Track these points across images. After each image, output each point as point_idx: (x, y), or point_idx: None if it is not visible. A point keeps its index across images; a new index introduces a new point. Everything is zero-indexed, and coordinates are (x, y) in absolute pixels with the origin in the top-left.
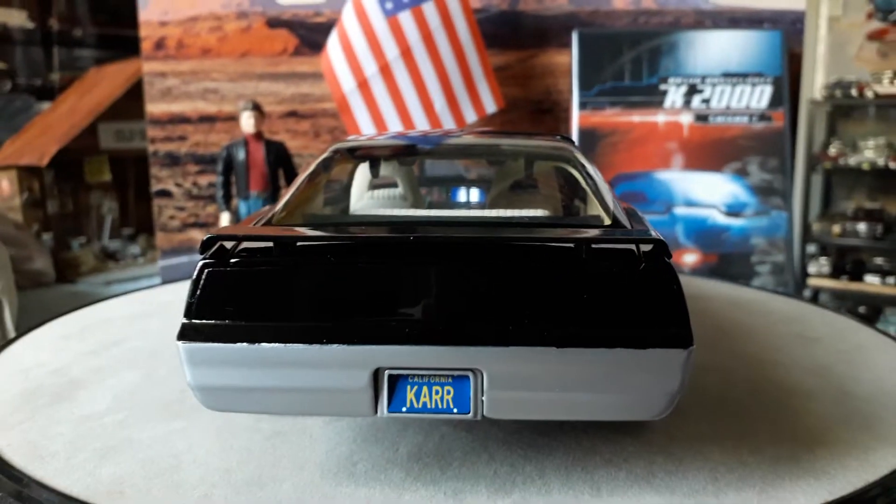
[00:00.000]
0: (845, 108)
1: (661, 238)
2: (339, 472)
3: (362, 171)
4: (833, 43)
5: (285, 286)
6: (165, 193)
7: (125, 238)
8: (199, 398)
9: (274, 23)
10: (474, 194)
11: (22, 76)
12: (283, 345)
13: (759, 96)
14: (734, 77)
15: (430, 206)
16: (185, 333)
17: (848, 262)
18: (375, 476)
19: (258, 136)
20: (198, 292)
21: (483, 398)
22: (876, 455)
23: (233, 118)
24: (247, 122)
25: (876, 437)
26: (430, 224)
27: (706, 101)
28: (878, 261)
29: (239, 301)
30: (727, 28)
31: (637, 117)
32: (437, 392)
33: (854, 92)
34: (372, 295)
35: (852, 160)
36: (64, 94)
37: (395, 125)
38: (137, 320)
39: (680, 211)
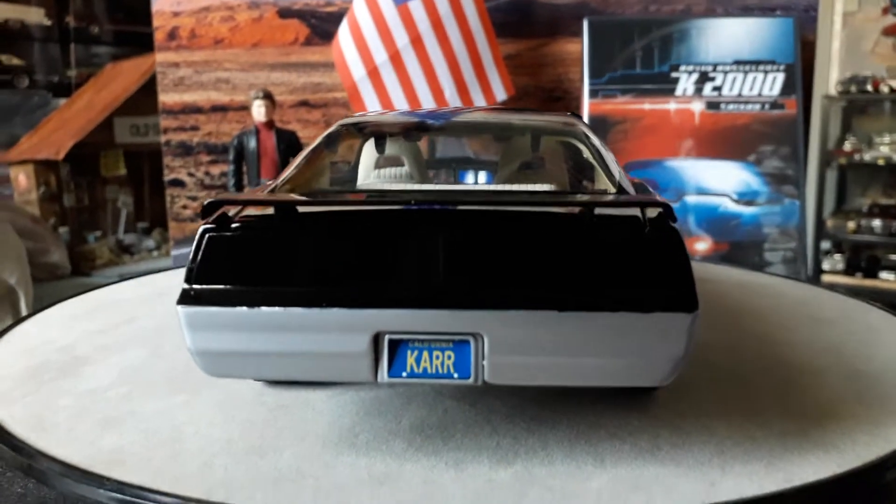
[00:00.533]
0: (860, 103)
1: (667, 202)
2: (341, 443)
3: (368, 150)
4: (848, 38)
5: (286, 251)
6: (178, 183)
7: (140, 232)
8: (199, 363)
9: (285, 13)
10: (482, 176)
11: (40, 73)
12: (282, 308)
13: (771, 84)
14: (746, 64)
15: (437, 184)
16: (185, 298)
17: (863, 259)
18: (377, 446)
19: (269, 124)
20: (198, 257)
21: (484, 363)
22: (888, 430)
23: (245, 108)
24: (258, 111)
25: (888, 412)
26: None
27: (718, 88)
28: (894, 257)
29: (239, 266)
30: (739, 16)
31: (648, 105)
32: (437, 357)
33: (869, 87)
34: (373, 259)
35: (867, 156)
36: (81, 90)
37: None
38: (148, 301)
39: (691, 199)
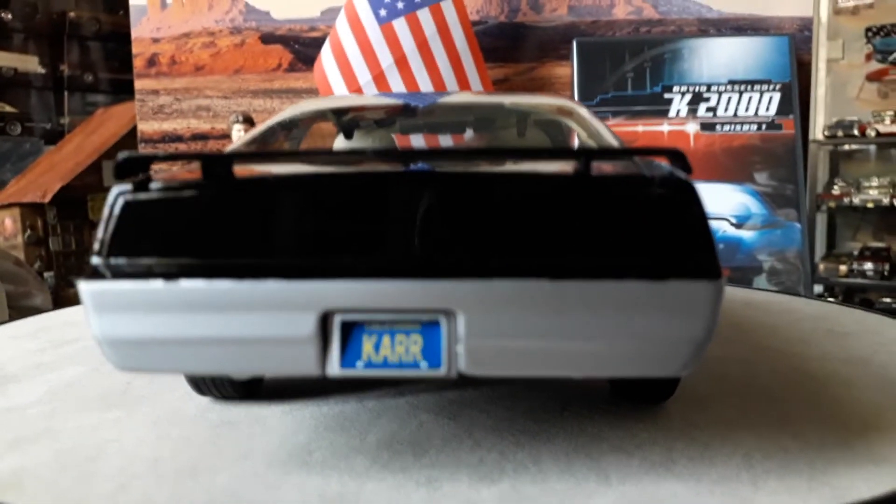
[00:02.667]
0: (847, 148)
1: (679, 149)
2: (290, 461)
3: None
4: (833, 84)
5: (213, 215)
6: None
7: None
8: (108, 355)
9: (268, 38)
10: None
11: (33, 120)
12: (206, 281)
13: (767, 103)
14: (741, 84)
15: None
16: (91, 273)
17: (856, 303)
18: (334, 464)
19: None
20: (110, 224)
21: (459, 348)
22: None
23: (226, 136)
24: (237, 136)
25: None
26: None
27: (712, 109)
28: (887, 300)
29: (158, 234)
30: (732, 36)
31: (641, 127)
32: (400, 343)
33: (855, 132)
34: (319, 221)
35: (856, 199)
36: (70, 135)
37: None
38: None
39: None
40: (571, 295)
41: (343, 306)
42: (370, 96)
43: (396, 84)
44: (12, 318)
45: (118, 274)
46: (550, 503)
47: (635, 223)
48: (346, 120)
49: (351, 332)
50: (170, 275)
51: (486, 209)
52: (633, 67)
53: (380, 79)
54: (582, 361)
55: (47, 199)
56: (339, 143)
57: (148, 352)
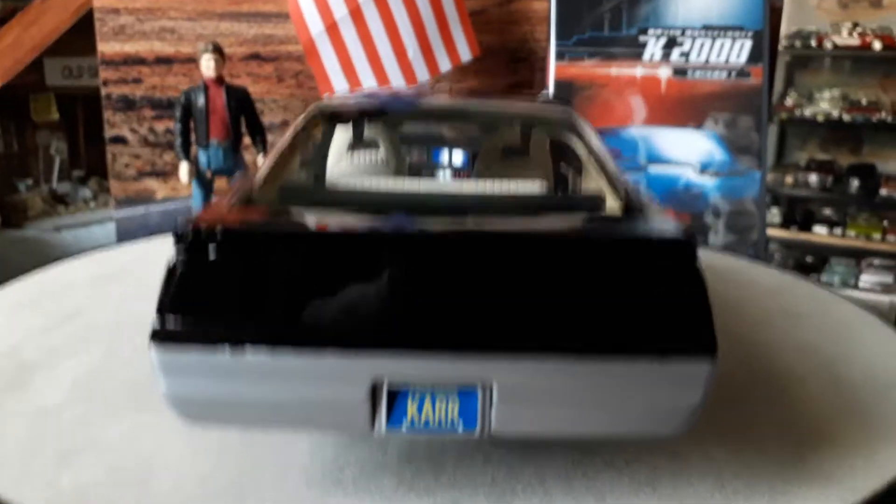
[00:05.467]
0: (803, 58)
1: (691, 231)
2: (326, 479)
3: (341, 131)
4: None
5: (273, 283)
6: (120, 140)
7: (75, 181)
8: (176, 410)
9: None
10: (457, 156)
11: None
12: (270, 351)
13: (738, 51)
14: (715, 30)
15: (412, 169)
16: (159, 335)
17: (798, 213)
18: (365, 485)
19: (219, 80)
20: (173, 287)
21: (492, 412)
22: (880, 455)
23: (192, 60)
24: (207, 66)
25: (877, 433)
26: (429, 208)
27: (685, 54)
28: (827, 212)
29: (220, 299)
30: None
31: (615, 70)
32: (440, 406)
33: (813, 43)
34: (369, 296)
35: (808, 111)
36: (6, 27)
37: (365, 72)
38: (96, 285)
39: (654, 168)
40: (590, 370)
41: (390, 374)
42: (375, 96)
43: (373, 19)
44: None
45: (185, 339)
46: None
47: (647, 307)
48: (356, 122)
49: (396, 397)
50: (235, 344)
51: (518, 291)
52: (610, 7)
53: (356, 13)
54: (597, 424)
55: None
56: (342, 134)
57: (214, 410)
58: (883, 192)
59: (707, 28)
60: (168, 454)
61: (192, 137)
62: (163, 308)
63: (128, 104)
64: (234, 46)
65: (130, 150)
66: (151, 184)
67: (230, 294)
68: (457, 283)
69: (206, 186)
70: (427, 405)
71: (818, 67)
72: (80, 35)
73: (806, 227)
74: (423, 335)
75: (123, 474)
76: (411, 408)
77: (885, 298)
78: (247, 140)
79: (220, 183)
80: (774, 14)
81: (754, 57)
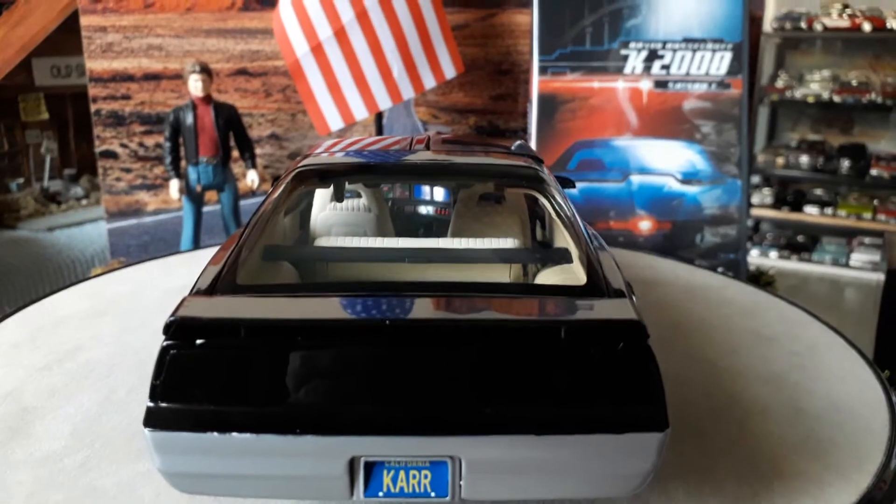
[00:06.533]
0: (794, 40)
1: (640, 320)
2: None
3: (324, 185)
4: None
5: (254, 372)
6: (111, 154)
7: (67, 179)
8: (170, 482)
9: None
10: (438, 193)
11: None
12: (254, 435)
13: (718, 63)
14: (695, 42)
15: (393, 205)
16: (151, 419)
17: (789, 193)
18: None
19: (207, 99)
20: (162, 376)
21: (461, 483)
22: (831, 490)
23: (179, 76)
24: (194, 86)
25: (829, 467)
26: (403, 288)
27: (666, 67)
28: (818, 192)
29: (206, 386)
30: None
31: (597, 83)
32: (413, 477)
33: (803, 24)
34: (345, 382)
35: (798, 93)
36: None
37: (351, 92)
38: (92, 321)
39: (637, 178)
40: (551, 444)
41: (367, 453)
42: (350, 153)
43: (357, 39)
44: None
45: (175, 422)
46: None
47: (602, 386)
48: (338, 184)
49: (373, 468)
50: (222, 427)
51: (480, 374)
52: (592, 21)
53: (340, 34)
54: (559, 488)
55: None
56: (329, 208)
57: (204, 482)
58: (873, 171)
59: (687, 41)
60: (165, 503)
61: (182, 153)
62: (154, 395)
63: (117, 120)
64: (221, 62)
65: (121, 164)
66: (143, 197)
67: (216, 383)
68: (424, 370)
69: (196, 201)
70: (402, 476)
71: (809, 49)
72: (68, 34)
73: (797, 207)
74: (395, 419)
75: None
76: (387, 478)
77: (875, 276)
78: (235, 154)
79: (209, 195)
80: (755, 23)
81: (734, 69)
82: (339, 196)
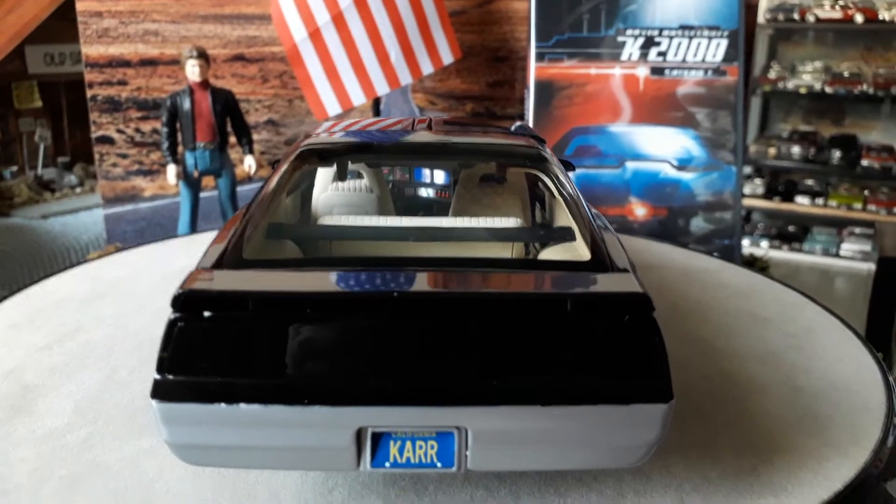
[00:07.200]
0: (786, 31)
1: (646, 293)
2: (317, 500)
3: (326, 165)
4: None
5: (261, 344)
6: (107, 140)
7: (61, 167)
8: (177, 454)
9: None
10: (438, 176)
11: None
12: (262, 405)
13: (714, 50)
14: (691, 30)
15: (394, 187)
16: (159, 391)
17: (781, 184)
18: None
19: (204, 84)
20: (169, 348)
21: (467, 453)
22: (829, 465)
23: (176, 62)
24: (192, 71)
25: (827, 442)
26: (407, 263)
27: (663, 54)
28: (809, 182)
29: (214, 358)
30: None
31: (594, 70)
32: (420, 447)
33: (796, 15)
34: (352, 353)
35: (790, 84)
36: None
37: (349, 77)
38: (90, 303)
39: (632, 165)
40: (556, 415)
41: (374, 424)
42: (356, 133)
43: (355, 25)
44: None
45: (182, 394)
46: None
47: (607, 357)
48: (341, 164)
49: (380, 439)
50: (230, 398)
51: (486, 345)
52: (589, 8)
53: (338, 19)
54: (562, 459)
55: None
56: (331, 188)
57: (211, 454)
58: (864, 162)
59: (684, 28)
60: (168, 479)
61: (179, 138)
62: (162, 367)
63: (114, 105)
64: (218, 48)
65: (117, 149)
66: (140, 182)
67: (224, 355)
68: (432, 342)
69: (193, 187)
70: (408, 447)
71: (801, 40)
72: (62, 22)
73: (788, 197)
74: (401, 390)
75: (128, 498)
76: (393, 449)
77: (865, 266)
78: (232, 140)
79: (207, 181)
80: (751, 10)
81: (730, 56)
82: (342, 175)
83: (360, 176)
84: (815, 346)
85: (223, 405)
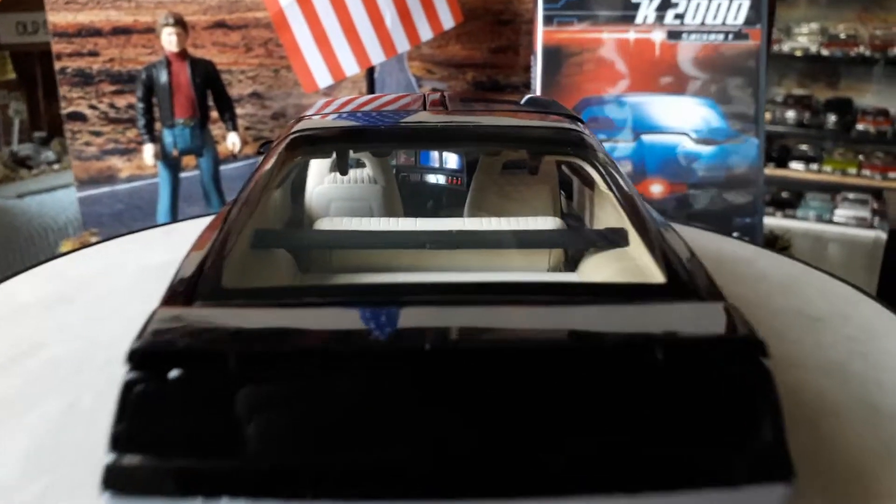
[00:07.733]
0: None
1: (757, 334)
2: None
3: (323, 153)
4: None
5: (248, 416)
6: (78, 116)
7: (37, 142)
8: None
9: None
10: (449, 159)
11: None
12: (252, 501)
13: (736, 12)
14: None
15: (397, 172)
16: (112, 479)
17: (775, 149)
18: None
19: (182, 54)
20: (125, 419)
21: None
22: None
23: (151, 30)
24: (168, 41)
25: None
26: (428, 290)
27: (680, 16)
28: (803, 147)
29: (184, 434)
30: None
31: (606, 34)
32: None
33: None
34: (370, 428)
35: (786, 46)
36: None
37: (340, 43)
38: (54, 310)
39: (648, 138)
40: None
41: None
42: (356, 115)
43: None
44: None
45: (141, 484)
46: None
47: (709, 423)
48: (342, 153)
49: None
50: (208, 490)
51: (559, 413)
52: None
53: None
54: None
55: None
56: (328, 179)
57: None
58: (859, 126)
59: None
60: None
61: (156, 114)
62: (116, 444)
63: (85, 79)
64: (197, 14)
65: (90, 127)
66: (115, 162)
67: (197, 430)
68: (480, 410)
69: (172, 167)
70: None
71: (796, 1)
72: None
73: (782, 163)
74: (438, 480)
75: None
76: None
77: (860, 232)
78: (214, 115)
79: (187, 160)
80: None
81: (752, 18)
82: (342, 168)
83: (362, 165)
84: (881, 353)
85: (199, 501)
